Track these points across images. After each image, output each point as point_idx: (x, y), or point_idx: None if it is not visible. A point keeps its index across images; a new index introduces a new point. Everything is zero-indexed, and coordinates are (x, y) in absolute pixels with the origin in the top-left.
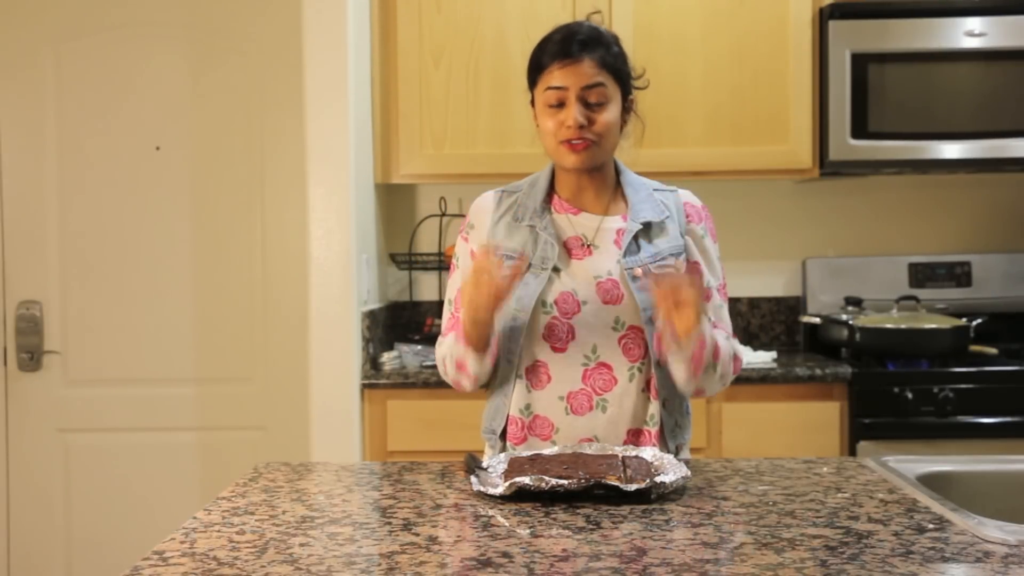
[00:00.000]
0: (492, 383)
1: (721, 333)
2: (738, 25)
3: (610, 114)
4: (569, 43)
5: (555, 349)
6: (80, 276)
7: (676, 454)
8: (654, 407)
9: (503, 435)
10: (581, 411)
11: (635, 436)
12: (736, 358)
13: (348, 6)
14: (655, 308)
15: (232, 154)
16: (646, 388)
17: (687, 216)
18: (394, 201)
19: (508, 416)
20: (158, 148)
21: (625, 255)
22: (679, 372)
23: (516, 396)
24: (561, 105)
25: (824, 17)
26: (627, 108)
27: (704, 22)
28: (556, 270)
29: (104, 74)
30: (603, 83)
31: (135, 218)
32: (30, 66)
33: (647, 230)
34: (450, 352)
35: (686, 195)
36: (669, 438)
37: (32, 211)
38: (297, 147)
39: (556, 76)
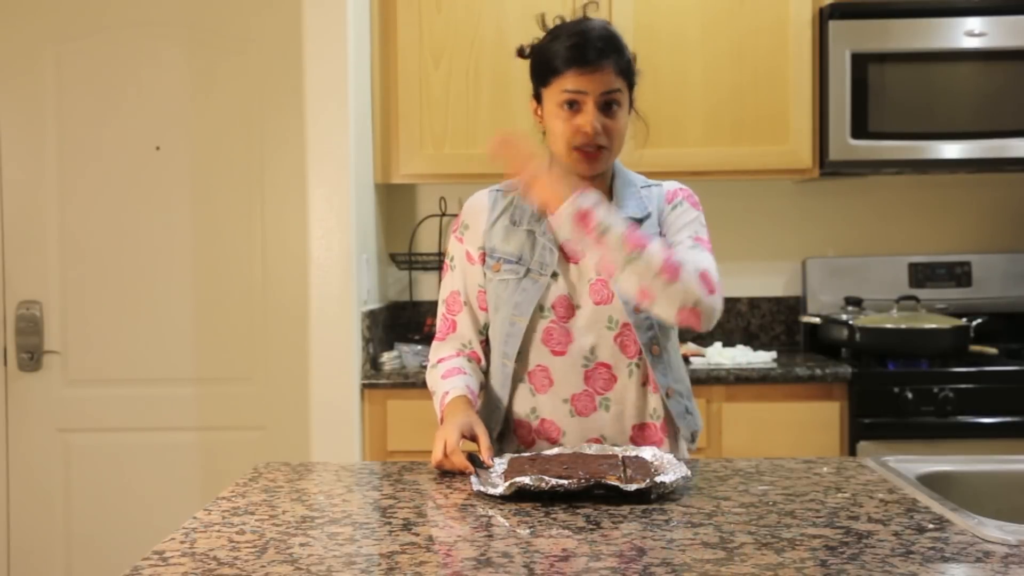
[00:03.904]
0: (486, 383)
1: (662, 243)
2: (738, 25)
3: (622, 120)
4: (586, 48)
5: (555, 353)
6: (80, 276)
7: (692, 441)
8: (655, 400)
9: (499, 437)
10: (586, 412)
11: (640, 430)
12: (704, 276)
13: (348, 6)
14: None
15: (232, 154)
16: (646, 382)
17: (667, 202)
18: (394, 201)
19: (515, 420)
20: (158, 148)
21: None
22: (626, 285)
23: (520, 400)
24: (575, 107)
25: (824, 17)
26: (630, 108)
27: (704, 22)
28: (554, 275)
29: (104, 74)
30: (619, 89)
31: (135, 218)
32: (30, 66)
33: None
34: (431, 385)
35: (669, 185)
36: (682, 426)
37: (32, 211)
38: (297, 147)
39: (573, 81)
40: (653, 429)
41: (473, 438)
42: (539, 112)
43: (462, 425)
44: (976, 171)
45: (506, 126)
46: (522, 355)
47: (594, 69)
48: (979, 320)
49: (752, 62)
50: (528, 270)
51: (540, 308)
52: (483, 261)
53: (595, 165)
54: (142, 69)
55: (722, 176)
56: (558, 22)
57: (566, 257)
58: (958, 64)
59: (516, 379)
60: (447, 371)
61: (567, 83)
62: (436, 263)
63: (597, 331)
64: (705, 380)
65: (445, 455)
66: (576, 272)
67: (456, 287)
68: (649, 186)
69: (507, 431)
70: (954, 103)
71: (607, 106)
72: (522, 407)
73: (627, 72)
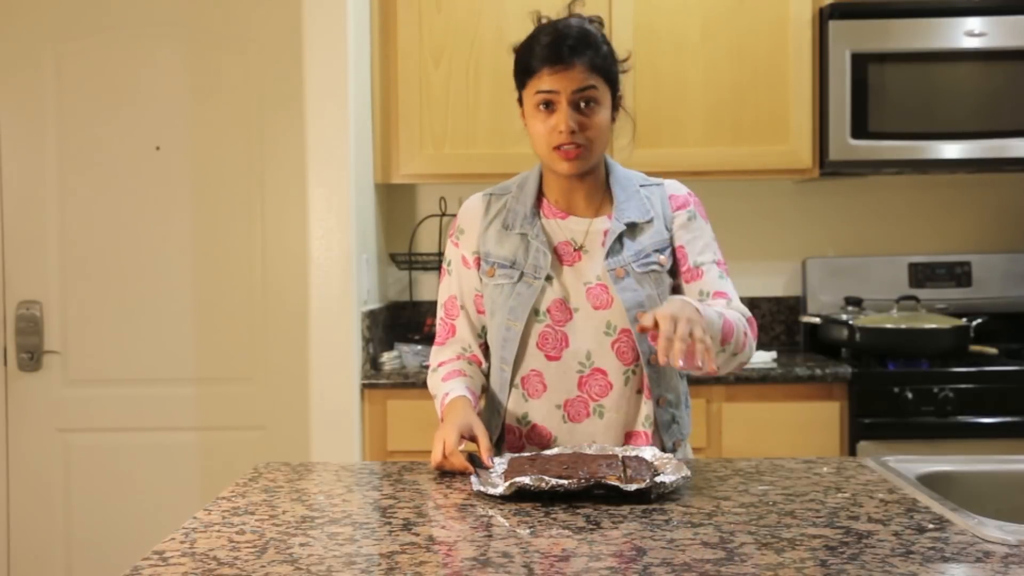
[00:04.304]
0: (486, 387)
1: (721, 301)
2: (738, 25)
3: (601, 117)
4: (559, 47)
5: (549, 358)
6: (80, 276)
7: (674, 451)
8: (648, 407)
9: (499, 442)
10: (579, 418)
11: (630, 438)
12: (751, 323)
13: (348, 6)
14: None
15: (232, 154)
16: (641, 389)
17: (672, 207)
18: (394, 201)
19: (504, 425)
20: (158, 148)
21: (608, 256)
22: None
23: (512, 406)
24: (551, 108)
25: (824, 17)
26: (616, 105)
27: (704, 22)
28: (548, 278)
29: (104, 74)
30: (594, 86)
31: (135, 218)
32: (30, 66)
33: (632, 229)
34: (432, 389)
35: (671, 186)
36: (665, 435)
37: (32, 211)
38: (297, 147)
39: (546, 81)
40: (644, 437)
41: (472, 439)
42: (524, 115)
43: (461, 426)
44: (976, 171)
45: (506, 126)
46: (516, 360)
47: (566, 67)
48: (979, 320)
49: (752, 62)
50: (522, 274)
51: (535, 312)
52: (478, 265)
53: (575, 164)
54: (142, 69)
55: (722, 176)
56: (542, 21)
57: (560, 260)
58: (958, 64)
59: (510, 384)
60: (447, 374)
61: (540, 83)
62: (436, 263)
63: (594, 336)
64: (705, 380)
65: (444, 457)
66: (572, 274)
67: (453, 291)
68: (649, 185)
69: (503, 435)
70: (954, 103)
71: (582, 103)
72: (513, 412)
73: (604, 68)
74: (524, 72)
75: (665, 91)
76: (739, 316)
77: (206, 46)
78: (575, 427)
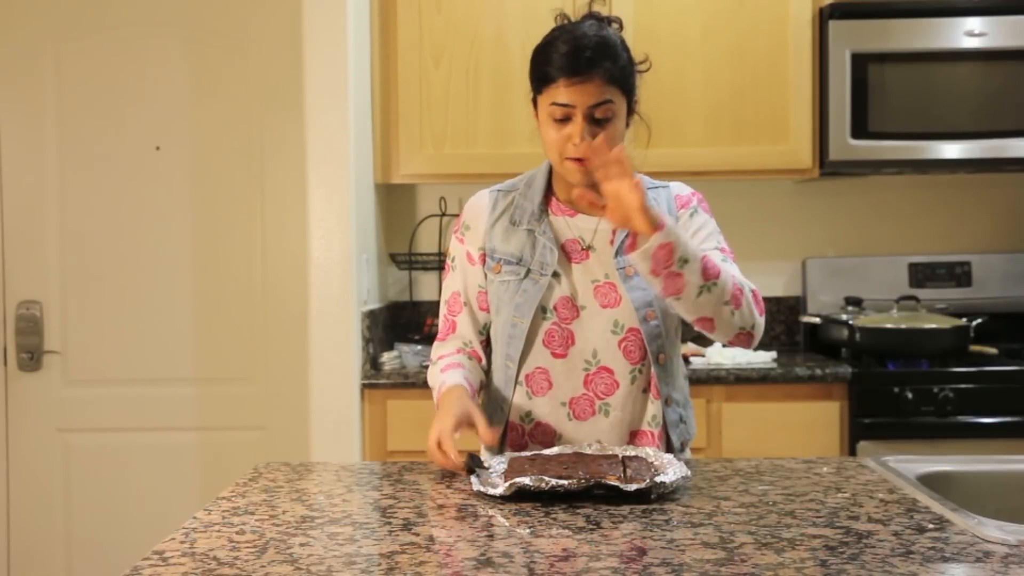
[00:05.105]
0: (488, 384)
1: (716, 255)
2: (738, 25)
3: (616, 129)
4: (577, 58)
5: (555, 355)
6: (80, 276)
7: (681, 450)
8: (655, 407)
9: (501, 439)
10: (584, 416)
11: (636, 437)
12: (756, 297)
13: (348, 6)
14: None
15: (232, 154)
16: (647, 389)
17: (678, 207)
18: (394, 201)
19: (508, 422)
20: (158, 148)
21: (617, 255)
22: (692, 311)
23: (516, 403)
24: (567, 119)
25: (824, 17)
26: (631, 110)
27: (704, 22)
28: (555, 275)
29: (104, 74)
30: (610, 100)
31: (135, 218)
32: (30, 66)
33: None
34: (431, 381)
35: (676, 187)
36: (674, 435)
37: (32, 211)
38: (297, 147)
39: (563, 93)
40: (650, 437)
41: (470, 425)
42: (537, 117)
43: (457, 415)
44: (976, 171)
45: (506, 126)
46: (522, 357)
47: (583, 80)
48: (979, 320)
49: (752, 62)
50: (528, 271)
51: (542, 310)
52: (483, 262)
53: (589, 176)
54: (142, 69)
55: (722, 176)
56: (561, 21)
57: (567, 257)
58: (958, 64)
59: (515, 382)
60: (446, 366)
61: (556, 95)
62: (436, 263)
63: (601, 335)
64: (705, 380)
65: (439, 447)
66: (580, 272)
67: (457, 288)
68: (656, 187)
69: (506, 432)
70: (954, 103)
71: (598, 115)
72: (517, 410)
73: (621, 79)
74: (540, 79)
75: (665, 91)
76: (736, 274)
77: (206, 46)
78: (580, 425)
